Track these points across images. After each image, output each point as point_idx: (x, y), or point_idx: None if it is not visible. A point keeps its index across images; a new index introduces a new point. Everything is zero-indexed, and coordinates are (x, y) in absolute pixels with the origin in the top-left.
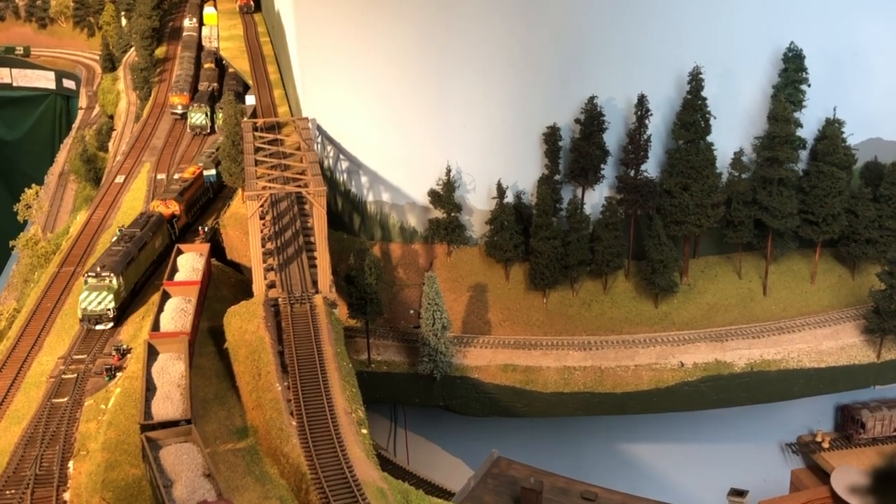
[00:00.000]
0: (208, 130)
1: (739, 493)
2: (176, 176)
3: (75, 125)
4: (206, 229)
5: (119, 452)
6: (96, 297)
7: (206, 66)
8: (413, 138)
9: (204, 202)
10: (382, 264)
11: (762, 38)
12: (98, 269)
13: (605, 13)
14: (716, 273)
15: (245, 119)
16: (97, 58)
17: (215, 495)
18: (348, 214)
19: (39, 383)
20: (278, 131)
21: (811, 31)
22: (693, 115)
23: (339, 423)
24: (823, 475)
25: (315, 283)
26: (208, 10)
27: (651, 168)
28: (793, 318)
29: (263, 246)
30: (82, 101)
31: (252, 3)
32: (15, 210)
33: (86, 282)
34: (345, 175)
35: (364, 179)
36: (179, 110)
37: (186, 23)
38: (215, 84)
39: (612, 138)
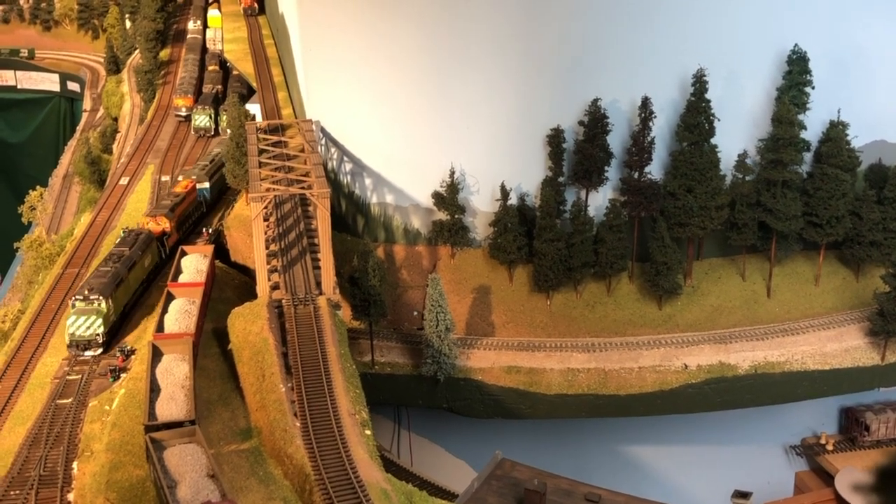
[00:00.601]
0: (212, 132)
1: (743, 496)
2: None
3: (79, 127)
4: (210, 231)
5: (123, 453)
6: (85, 322)
7: (211, 68)
8: (417, 140)
9: (197, 217)
10: (386, 266)
11: (766, 41)
12: (86, 291)
13: (609, 15)
14: (719, 275)
15: (249, 121)
16: (101, 60)
17: (219, 496)
18: (352, 216)
19: (44, 384)
20: (282, 133)
21: (815, 33)
22: (697, 117)
23: (343, 424)
24: (828, 477)
25: (319, 284)
26: (212, 13)
27: (655, 170)
28: (797, 320)
29: (267, 247)
30: (86, 104)
31: (256, 5)
32: (19, 212)
33: (73, 305)
34: (348, 177)
35: (368, 181)
36: (183, 112)
37: (191, 25)
38: (219, 86)
39: (616, 140)
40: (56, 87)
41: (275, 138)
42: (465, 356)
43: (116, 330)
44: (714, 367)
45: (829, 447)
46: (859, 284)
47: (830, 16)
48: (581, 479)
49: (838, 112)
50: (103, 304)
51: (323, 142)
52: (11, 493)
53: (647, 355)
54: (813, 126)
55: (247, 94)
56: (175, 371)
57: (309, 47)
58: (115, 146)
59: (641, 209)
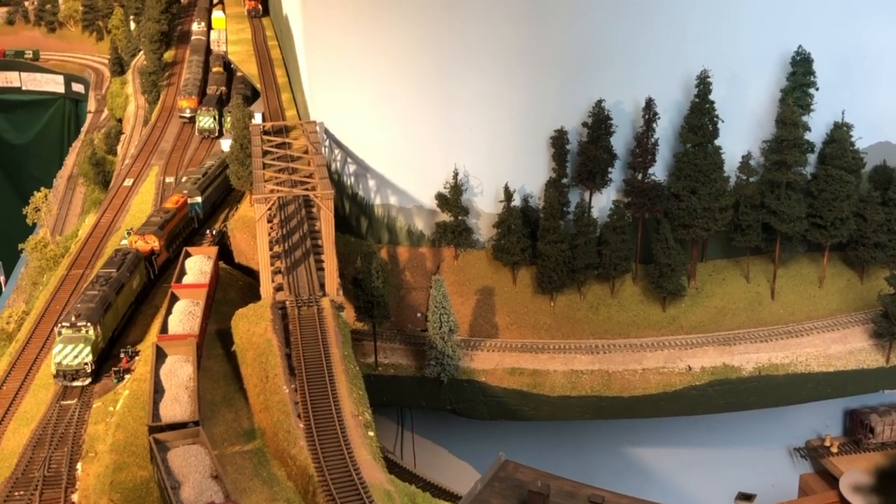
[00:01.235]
0: (216, 134)
1: (747, 498)
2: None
3: (84, 128)
4: (214, 232)
5: (127, 454)
6: (72, 351)
7: (215, 69)
8: (420, 142)
9: (188, 234)
10: (390, 267)
11: (770, 42)
12: (73, 318)
13: (613, 16)
14: (724, 277)
15: (253, 123)
16: (106, 61)
17: (223, 497)
18: (356, 218)
19: (48, 385)
20: (286, 135)
21: (819, 34)
22: (701, 118)
23: (347, 425)
24: (832, 480)
25: (322, 286)
26: (217, 14)
27: (659, 171)
28: (801, 322)
29: (271, 249)
30: (91, 105)
31: (260, 6)
32: (24, 213)
33: (59, 333)
34: (352, 178)
35: (371, 183)
36: (188, 114)
37: (195, 27)
38: (223, 88)
39: (620, 142)
40: (60, 89)
41: (279, 140)
42: (469, 358)
43: (105, 357)
44: (718, 368)
45: (834, 449)
46: (864, 286)
47: (834, 17)
48: (585, 481)
49: (842, 113)
50: (91, 332)
51: (327, 143)
52: (16, 493)
53: (651, 357)
54: (817, 127)
55: (251, 95)
56: (179, 372)
57: (313, 49)
58: (119, 147)
59: (645, 211)
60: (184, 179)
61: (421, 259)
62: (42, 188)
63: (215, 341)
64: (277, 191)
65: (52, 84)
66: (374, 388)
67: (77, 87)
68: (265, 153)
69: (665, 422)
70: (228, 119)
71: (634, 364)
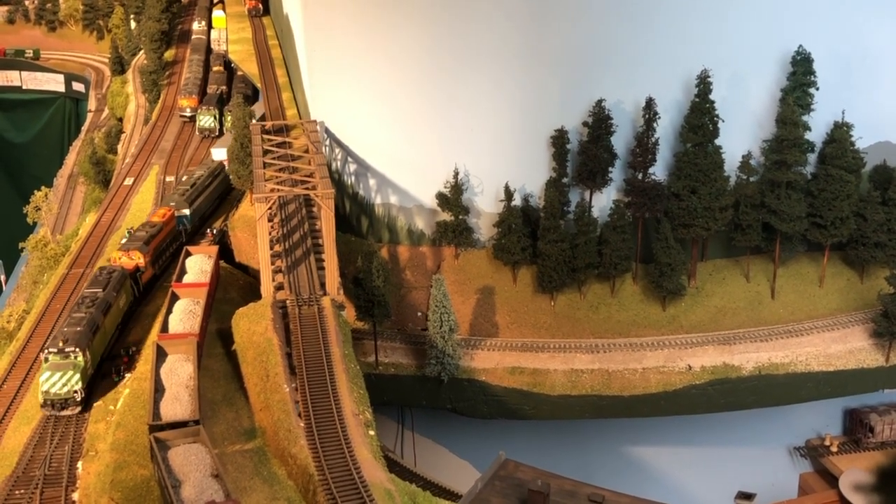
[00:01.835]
0: (217, 133)
1: (747, 497)
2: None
3: (84, 128)
4: (214, 231)
5: (128, 453)
6: (60, 378)
7: (215, 69)
8: (421, 141)
9: (175, 248)
10: (390, 267)
11: (770, 42)
12: (60, 343)
13: (613, 16)
14: (724, 276)
15: (254, 122)
16: (106, 61)
17: (223, 496)
18: (356, 217)
19: None
20: (287, 134)
21: (820, 34)
22: (701, 118)
23: (347, 424)
24: (832, 479)
25: (323, 285)
26: (217, 14)
27: (659, 171)
28: (801, 321)
29: (271, 248)
30: (91, 104)
31: (261, 6)
32: (24, 212)
33: (46, 360)
34: (353, 178)
35: (372, 182)
36: (188, 113)
37: (195, 26)
38: (224, 87)
39: (620, 141)
40: (61, 88)
41: (279, 139)
42: (469, 357)
43: (93, 383)
44: (718, 368)
45: (834, 449)
46: (864, 286)
47: (835, 17)
48: (585, 480)
49: (843, 113)
50: (80, 358)
51: (327, 142)
52: (16, 492)
53: (651, 356)
54: (817, 127)
55: (252, 94)
56: (179, 371)
57: (313, 48)
58: (119, 146)
59: (645, 210)
60: (173, 192)
61: (421, 258)
62: (42, 187)
63: (216, 340)
64: (278, 190)
65: (53, 83)
66: (374, 387)
67: (77, 87)
68: (266, 152)
69: (665, 421)
70: (229, 118)
71: (634, 363)
